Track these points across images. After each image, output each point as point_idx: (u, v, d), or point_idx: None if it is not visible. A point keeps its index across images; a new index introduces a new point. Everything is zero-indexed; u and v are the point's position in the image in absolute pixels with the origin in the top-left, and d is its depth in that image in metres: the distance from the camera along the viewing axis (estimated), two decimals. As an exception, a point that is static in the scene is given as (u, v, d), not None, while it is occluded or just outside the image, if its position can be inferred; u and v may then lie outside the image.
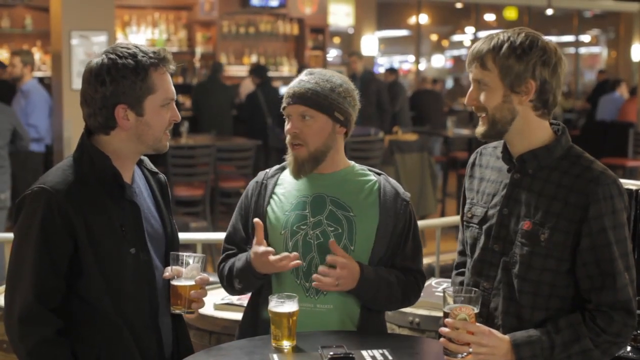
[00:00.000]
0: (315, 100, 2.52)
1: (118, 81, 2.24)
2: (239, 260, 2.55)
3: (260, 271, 2.48)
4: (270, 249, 2.46)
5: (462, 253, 2.52)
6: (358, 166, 2.66)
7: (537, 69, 2.22)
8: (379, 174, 2.66)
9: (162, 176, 2.54)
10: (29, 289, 2.19)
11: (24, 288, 2.20)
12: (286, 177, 2.64)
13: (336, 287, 2.45)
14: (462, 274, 2.49)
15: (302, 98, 2.53)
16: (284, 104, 2.58)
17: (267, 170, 2.70)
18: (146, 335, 2.33)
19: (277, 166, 2.69)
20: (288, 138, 2.57)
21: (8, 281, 2.26)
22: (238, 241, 2.63)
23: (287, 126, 2.57)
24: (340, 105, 2.55)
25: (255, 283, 2.54)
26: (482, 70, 2.26)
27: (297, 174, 2.57)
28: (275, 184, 2.62)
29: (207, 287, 2.53)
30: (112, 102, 2.25)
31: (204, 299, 2.42)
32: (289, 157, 2.60)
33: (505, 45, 2.22)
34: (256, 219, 2.51)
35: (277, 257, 2.43)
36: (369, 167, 2.69)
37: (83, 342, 2.25)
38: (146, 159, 2.51)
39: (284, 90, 2.66)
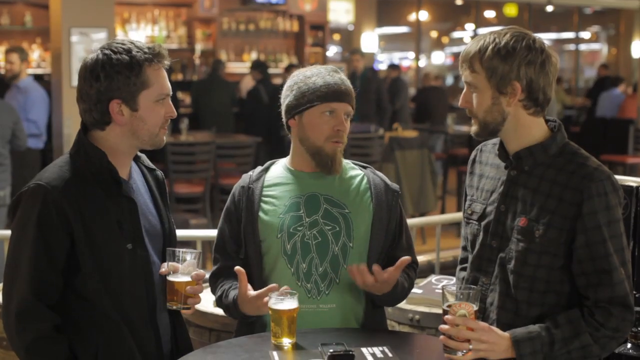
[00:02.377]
0: (353, 99, 2.57)
1: (112, 76, 2.24)
2: (227, 297, 2.50)
3: (248, 313, 2.45)
4: (255, 293, 2.38)
5: (465, 248, 2.53)
6: (344, 161, 2.62)
7: (521, 69, 2.21)
8: (365, 167, 2.64)
9: (159, 172, 2.53)
10: (26, 285, 2.19)
11: (21, 284, 2.20)
12: (272, 178, 2.59)
13: (366, 288, 2.44)
14: (466, 269, 2.49)
15: (350, 97, 2.55)
16: (327, 99, 2.49)
17: (251, 173, 2.64)
18: (144, 331, 2.32)
19: (260, 168, 2.64)
20: (331, 135, 2.50)
21: (5, 278, 2.25)
22: (228, 250, 2.58)
23: (333, 122, 2.50)
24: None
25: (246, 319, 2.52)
26: (471, 72, 2.27)
27: (329, 171, 2.53)
28: (263, 187, 2.58)
29: (205, 284, 2.52)
30: (107, 97, 2.25)
31: (202, 295, 2.40)
32: (323, 153, 2.50)
33: (490, 47, 2.22)
34: (238, 268, 2.41)
35: (264, 299, 2.34)
36: (353, 161, 2.67)
37: (81, 338, 2.24)
38: (143, 156, 2.51)
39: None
